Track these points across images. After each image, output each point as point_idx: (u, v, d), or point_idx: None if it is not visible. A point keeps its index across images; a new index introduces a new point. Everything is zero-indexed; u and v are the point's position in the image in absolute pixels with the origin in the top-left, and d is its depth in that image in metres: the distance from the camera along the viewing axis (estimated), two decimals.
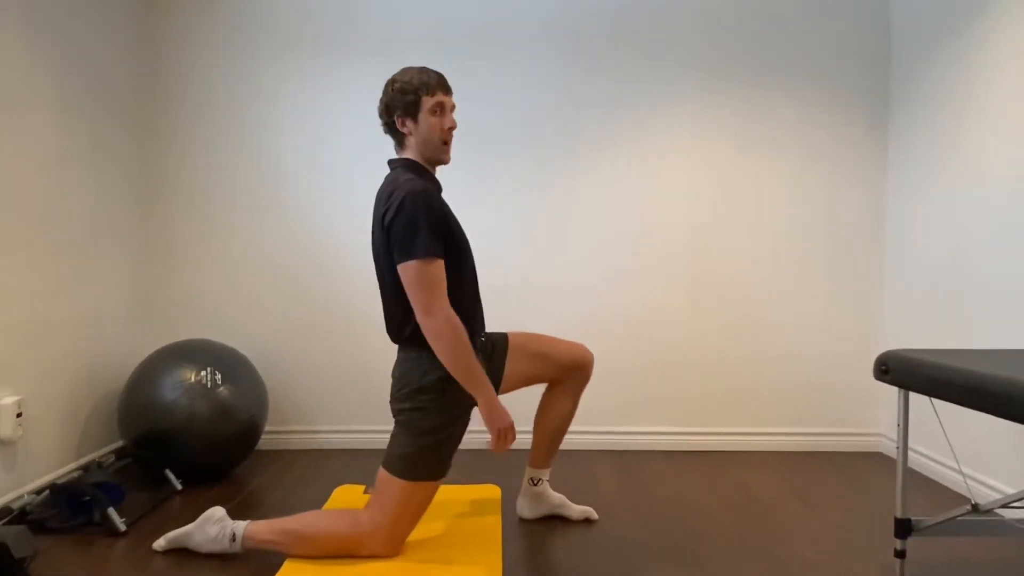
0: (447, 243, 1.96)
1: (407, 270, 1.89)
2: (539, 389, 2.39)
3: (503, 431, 1.98)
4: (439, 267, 1.91)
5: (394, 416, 2.05)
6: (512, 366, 2.22)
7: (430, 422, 1.99)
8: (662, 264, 3.26)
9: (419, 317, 1.91)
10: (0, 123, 2.34)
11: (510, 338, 2.26)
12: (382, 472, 2.02)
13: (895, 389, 1.87)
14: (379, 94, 3.13)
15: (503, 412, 1.98)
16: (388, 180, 2.02)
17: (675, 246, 3.26)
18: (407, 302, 1.95)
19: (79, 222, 2.77)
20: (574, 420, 3.20)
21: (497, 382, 2.20)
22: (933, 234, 2.92)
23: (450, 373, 1.94)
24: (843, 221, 3.27)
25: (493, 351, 2.21)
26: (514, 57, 3.23)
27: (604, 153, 3.25)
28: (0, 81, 2.34)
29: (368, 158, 3.22)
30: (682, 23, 3.23)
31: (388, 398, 3.17)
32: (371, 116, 3.19)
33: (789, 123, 3.25)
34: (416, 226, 1.88)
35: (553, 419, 2.33)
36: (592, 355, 2.34)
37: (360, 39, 3.22)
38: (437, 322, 1.89)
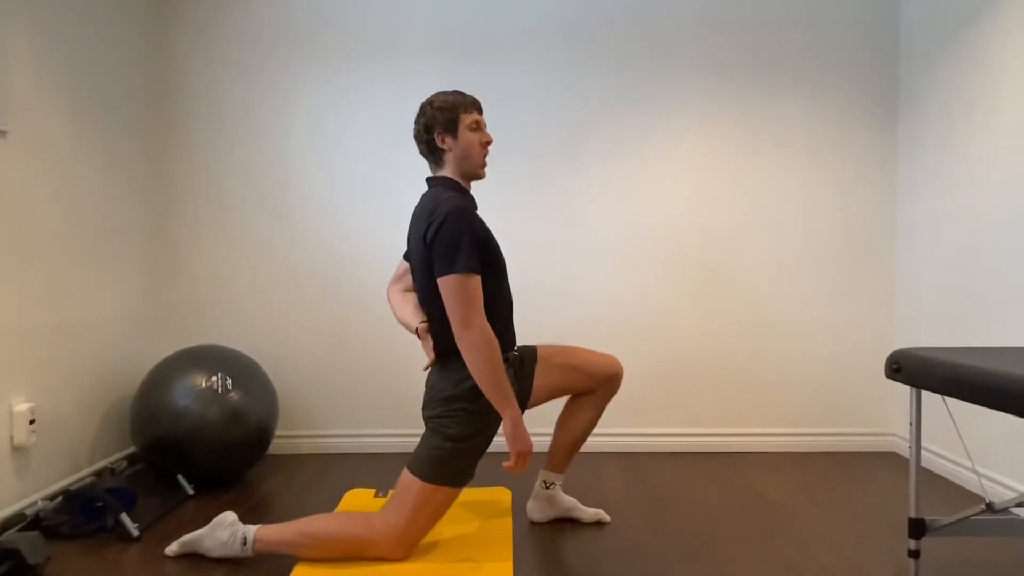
0: (486, 261, 2.02)
1: (447, 283, 1.93)
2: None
3: (523, 454, 1.99)
4: (477, 282, 1.95)
5: (425, 423, 2.08)
6: (541, 379, 2.24)
7: (459, 429, 2.01)
8: (671, 266, 3.26)
9: (456, 330, 1.95)
10: (12, 132, 2.36)
11: (539, 351, 2.27)
12: (405, 474, 2.04)
13: (908, 388, 1.86)
14: (388, 102, 3.22)
15: (526, 434, 2.00)
16: (429, 197, 2.07)
17: (684, 247, 3.25)
18: (444, 317, 1.98)
19: (90, 229, 2.79)
20: None
21: (526, 395, 2.21)
22: (944, 231, 2.90)
23: (479, 386, 1.98)
24: (854, 220, 3.26)
25: (522, 364, 2.22)
26: (520, 61, 3.24)
27: (611, 155, 3.25)
28: (12, 91, 2.36)
29: (377, 163, 3.23)
30: (689, 24, 3.23)
31: (398, 403, 3.23)
32: (380, 121, 3.24)
33: (798, 122, 3.24)
34: (458, 242, 1.92)
35: (575, 427, 2.33)
36: (622, 367, 2.35)
37: (368, 45, 3.23)
38: (473, 334, 1.93)
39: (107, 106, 2.91)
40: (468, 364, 1.96)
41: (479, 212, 2.15)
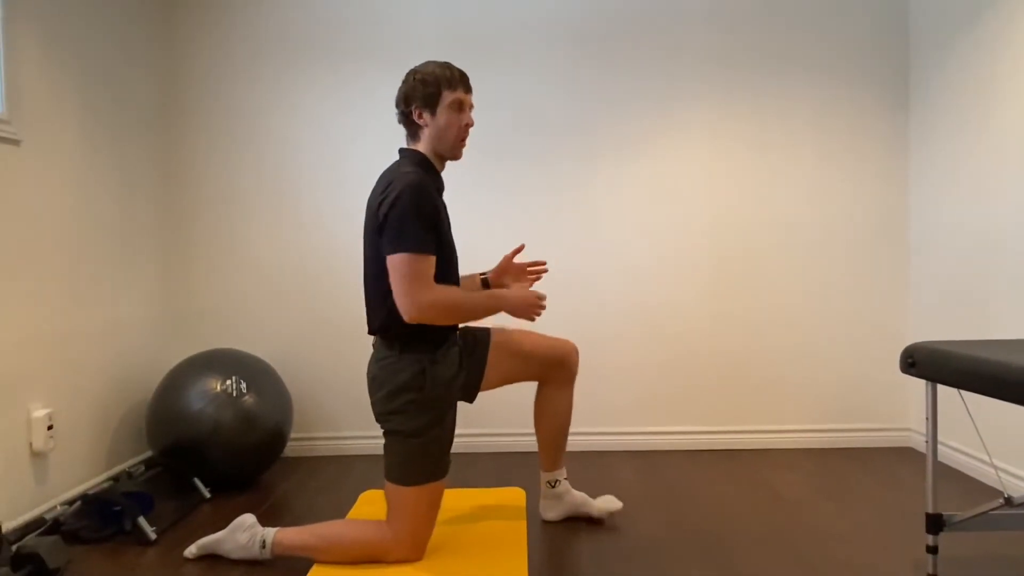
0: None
1: (396, 262, 1.88)
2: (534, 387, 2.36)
3: (532, 306, 2.07)
4: (429, 262, 1.90)
5: (379, 424, 2.03)
6: (493, 363, 2.20)
7: (414, 424, 1.96)
8: (683, 263, 3.25)
9: (404, 310, 1.89)
10: (26, 141, 2.38)
11: (492, 335, 2.23)
12: (386, 483, 2.02)
13: (923, 382, 1.85)
14: (391, 103, 3.21)
15: (519, 298, 2.07)
16: (390, 168, 2.02)
17: (696, 244, 3.24)
18: (383, 292, 1.94)
19: (104, 235, 2.81)
20: (596, 421, 3.23)
21: (478, 379, 2.18)
22: (958, 224, 2.88)
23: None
24: (866, 213, 3.24)
25: (475, 346, 2.19)
26: (527, 61, 3.24)
27: (621, 153, 3.24)
28: (26, 99, 2.39)
29: (383, 165, 3.23)
30: (697, 21, 3.22)
31: None
32: (385, 125, 3.24)
33: (808, 118, 3.23)
34: (409, 220, 1.87)
35: (551, 419, 2.30)
36: (576, 349, 2.31)
37: (373, 49, 3.24)
38: (423, 312, 1.89)
39: (119, 114, 2.93)
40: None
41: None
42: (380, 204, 1.91)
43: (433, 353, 1.99)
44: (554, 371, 2.27)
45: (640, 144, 3.24)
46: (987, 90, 2.69)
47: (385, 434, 2.02)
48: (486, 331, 2.24)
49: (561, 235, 3.25)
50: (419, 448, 1.97)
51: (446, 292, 1.94)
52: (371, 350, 3.22)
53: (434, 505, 2.03)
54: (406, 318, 1.90)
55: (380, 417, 2.02)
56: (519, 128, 3.23)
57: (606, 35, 3.23)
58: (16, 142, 2.34)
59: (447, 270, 2.04)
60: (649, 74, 3.23)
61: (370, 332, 2.06)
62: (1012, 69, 2.56)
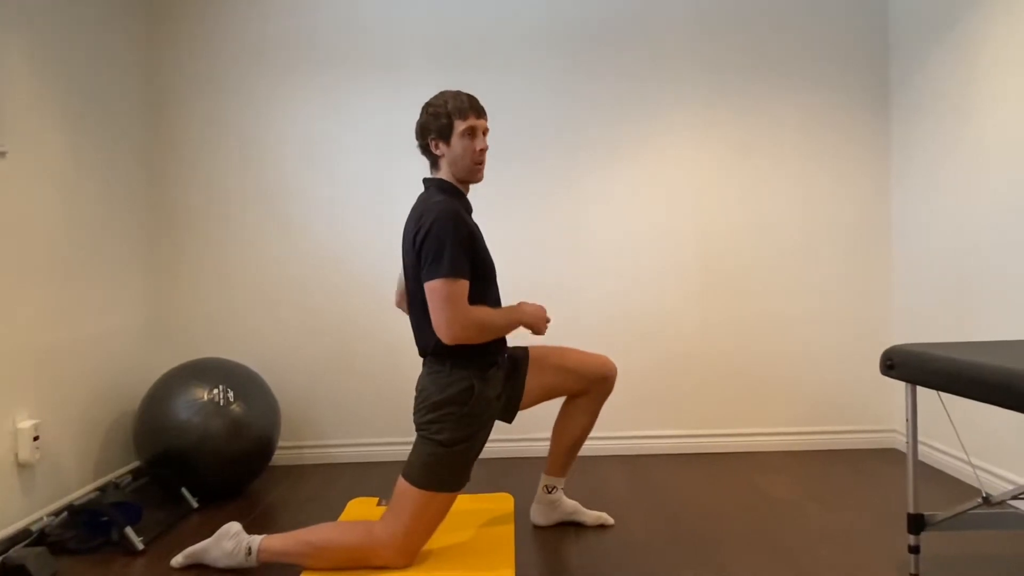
0: (473, 265, 2.02)
1: (432, 288, 1.96)
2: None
3: (543, 320, 2.16)
4: (463, 286, 1.97)
5: (417, 431, 2.08)
6: (533, 380, 2.25)
7: (450, 434, 2.01)
8: (670, 268, 3.27)
9: (442, 332, 1.97)
10: (11, 152, 2.38)
11: (531, 352, 2.28)
12: (400, 481, 2.04)
13: (904, 384, 1.87)
14: (384, 111, 3.25)
15: (533, 312, 2.14)
16: (420, 199, 2.10)
17: (682, 249, 3.27)
18: (427, 317, 2.01)
19: (90, 245, 2.81)
20: None
21: (518, 399, 2.24)
22: (940, 226, 2.92)
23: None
24: (849, 217, 3.27)
25: (515, 367, 2.23)
26: (515, 68, 3.26)
27: (609, 159, 3.27)
28: (10, 110, 2.39)
29: (373, 175, 3.25)
30: (681, 27, 3.25)
31: (400, 411, 3.24)
32: (376, 132, 3.26)
33: (791, 122, 3.26)
34: (443, 246, 1.94)
35: (572, 430, 2.34)
36: (615, 367, 2.35)
37: (363, 58, 3.25)
38: (461, 333, 1.96)
39: (105, 124, 2.93)
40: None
41: (477, 215, 2.17)
42: (415, 235, 1.99)
43: (484, 372, 2.06)
44: (595, 385, 2.31)
45: (626, 148, 3.27)
46: (966, 93, 2.74)
47: (418, 436, 2.07)
48: (524, 350, 2.29)
49: (547, 239, 3.27)
50: (446, 457, 2.02)
51: (477, 312, 2.01)
52: (360, 357, 3.25)
53: (439, 514, 2.05)
54: (445, 340, 1.98)
55: (419, 425, 2.07)
56: (505, 133, 3.24)
57: (592, 40, 3.26)
58: (1, 154, 2.33)
59: (487, 289, 2.11)
60: (635, 79, 3.26)
61: (421, 355, 2.13)
62: (989, 72, 2.60)
